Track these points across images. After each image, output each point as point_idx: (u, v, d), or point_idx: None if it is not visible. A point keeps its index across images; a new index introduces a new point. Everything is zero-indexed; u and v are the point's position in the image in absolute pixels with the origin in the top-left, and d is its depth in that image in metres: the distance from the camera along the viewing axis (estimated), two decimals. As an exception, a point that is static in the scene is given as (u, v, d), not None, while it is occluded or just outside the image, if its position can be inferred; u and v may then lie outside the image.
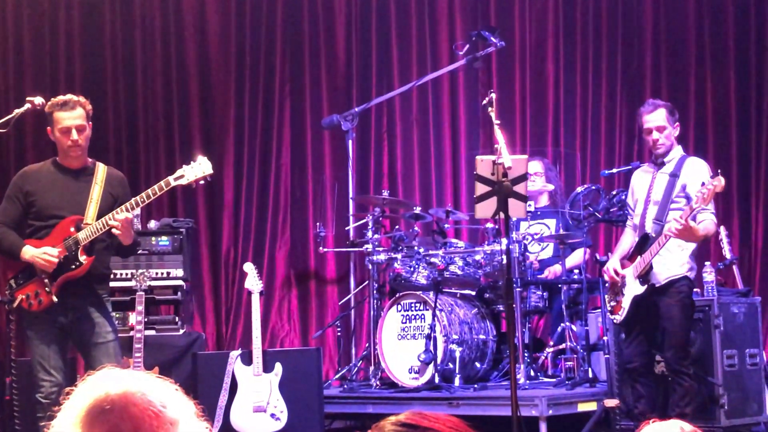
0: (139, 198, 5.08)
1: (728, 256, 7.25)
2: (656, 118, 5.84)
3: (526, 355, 6.86)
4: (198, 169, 5.17)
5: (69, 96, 5.22)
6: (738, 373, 6.29)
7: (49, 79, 8.62)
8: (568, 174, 8.57)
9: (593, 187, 6.99)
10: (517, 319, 6.67)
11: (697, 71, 8.72)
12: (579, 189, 7.16)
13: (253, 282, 6.68)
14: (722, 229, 7.41)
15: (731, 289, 7.06)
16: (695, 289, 6.59)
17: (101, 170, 5.28)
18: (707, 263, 6.73)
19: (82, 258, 5.09)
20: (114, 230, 5.02)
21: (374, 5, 9.07)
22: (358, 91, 9.02)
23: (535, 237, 7.17)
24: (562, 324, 7.02)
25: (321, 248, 8.27)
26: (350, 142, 8.26)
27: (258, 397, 6.41)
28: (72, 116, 5.14)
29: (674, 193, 5.71)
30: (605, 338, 6.51)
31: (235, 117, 8.94)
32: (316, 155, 8.99)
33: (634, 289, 5.71)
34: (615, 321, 5.97)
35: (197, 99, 8.95)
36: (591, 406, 6.29)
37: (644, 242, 5.68)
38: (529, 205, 6.77)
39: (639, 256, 5.68)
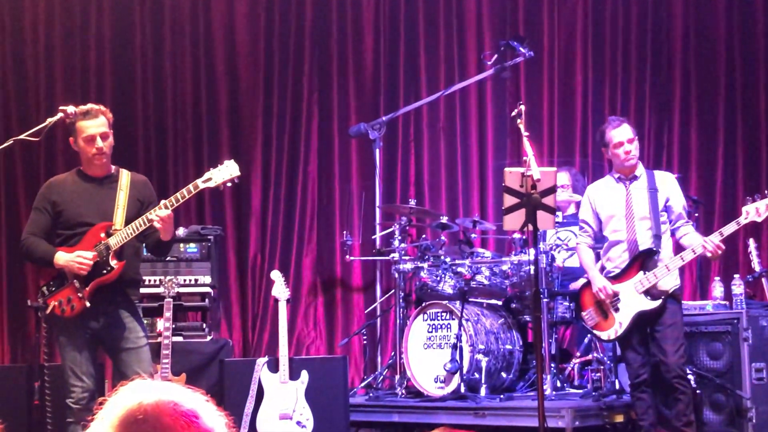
0: (168, 201, 5.13)
1: (757, 268, 7.19)
2: (625, 130, 5.91)
3: (552, 366, 6.85)
4: (225, 171, 5.21)
5: (90, 105, 5.30)
6: (766, 386, 6.25)
7: (80, 89, 8.70)
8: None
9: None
10: (544, 329, 6.66)
11: (726, 82, 8.68)
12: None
13: (280, 290, 6.71)
14: (751, 241, 7.36)
15: (760, 302, 7.01)
16: (724, 302, 6.60)
17: (125, 176, 5.34)
18: (736, 276, 6.71)
19: (113, 263, 5.14)
20: (156, 224, 5.06)
21: (402, 15, 9.09)
22: (385, 100, 9.04)
23: (564, 245, 7.15)
24: (588, 335, 6.99)
25: (348, 256, 8.28)
26: (377, 150, 8.28)
27: (284, 405, 6.43)
28: (95, 124, 5.20)
29: (660, 207, 5.79)
30: (626, 351, 6.47)
31: (263, 126, 8.99)
32: (343, 164, 9.02)
33: (639, 304, 5.71)
34: (606, 338, 5.96)
35: (226, 108, 9.00)
36: (618, 418, 6.26)
37: (648, 257, 5.70)
38: (556, 216, 6.77)
39: (641, 272, 5.70)
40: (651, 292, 5.68)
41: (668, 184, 5.88)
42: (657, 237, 5.72)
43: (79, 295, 5.12)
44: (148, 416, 1.68)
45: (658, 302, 5.66)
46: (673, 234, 5.85)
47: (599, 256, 6.09)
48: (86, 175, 5.32)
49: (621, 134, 5.90)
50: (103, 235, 5.16)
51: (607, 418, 6.28)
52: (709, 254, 5.62)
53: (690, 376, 5.93)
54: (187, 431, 1.69)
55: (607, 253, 5.95)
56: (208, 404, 1.79)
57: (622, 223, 5.86)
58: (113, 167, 5.38)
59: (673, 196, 5.82)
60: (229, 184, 5.27)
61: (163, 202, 5.13)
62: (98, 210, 5.22)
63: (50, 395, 6.41)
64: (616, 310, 5.76)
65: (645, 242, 5.77)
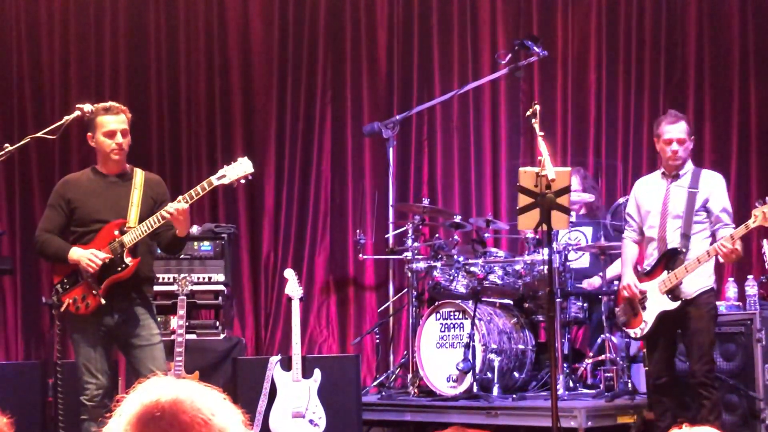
0: (182, 198, 5.14)
1: (771, 269, 7.18)
2: (678, 129, 5.82)
3: (565, 365, 6.84)
4: (239, 168, 5.23)
5: (111, 102, 5.31)
6: (780, 387, 6.23)
7: (95, 87, 8.72)
8: (610, 185, 8.54)
9: (635, 199, 6.93)
10: (557, 329, 6.66)
11: (740, 84, 8.65)
12: (620, 200, 7.15)
13: (294, 288, 6.72)
14: (765, 242, 7.32)
15: (774, 303, 6.99)
16: (738, 303, 6.57)
17: (139, 175, 5.37)
18: (750, 277, 6.69)
19: (128, 260, 5.16)
20: (168, 215, 5.07)
21: (416, 13, 9.09)
22: (399, 99, 9.04)
23: (575, 247, 7.14)
24: (601, 335, 6.99)
25: (360, 255, 8.29)
26: (391, 149, 8.28)
27: (297, 403, 6.44)
28: (116, 120, 5.25)
29: (696, 207, 5.69)
30: (645, 350, 6.46)
31: (276, 123, 9.00)
32: (357, 162, 9.03)
33: (661, 304, 5.67)
34: (633, 336, 5.94)
35: (239, 105, 9.02)
36: (630, 419, 6.25)
37: (672, 257, 5.65)
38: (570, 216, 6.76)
39: (665, 271, 5.65)
40: (673, 293, 5.64)
41: (711, 184, 5.75)
42: (685, 237, 5.66)
43: (94, 292, 5.15)
44: (165, 413, 1.69)
45: (677, 304, 5.63)
46: (713, 236, 5.75)
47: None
48: (101, 172, 5.35)
49: (673, 131, 5.81)
50: (117, 232, 5.19)
51: (620, 418, 6.27)
52: (721, 258, 5.58)
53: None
54: (204, 429, 1.70)
55: (646, 250, 5.92)
56: (225, 401, 1.80)
57: (656, 219, 5.83)
58: (128, 166, 5.41)
59: (714, 197, 5.66)
60: (243, 181, 5.30)
61: (179, 197, 5.15)
62: (112, 207, 5.25)
63: (63, 392, 6.45)
64: (644, 308, 5.74)
65: (673, 241, 5.73)
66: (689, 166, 5.86)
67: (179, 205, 5.08)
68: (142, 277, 5.29)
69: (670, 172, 5.84)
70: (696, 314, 5.64)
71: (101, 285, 5.15)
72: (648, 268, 5.83)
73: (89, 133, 5.29)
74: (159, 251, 5.72)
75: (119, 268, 5.17)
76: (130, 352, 5.26)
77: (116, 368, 6.09)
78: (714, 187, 5.72)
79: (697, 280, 5.66)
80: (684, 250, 5.63)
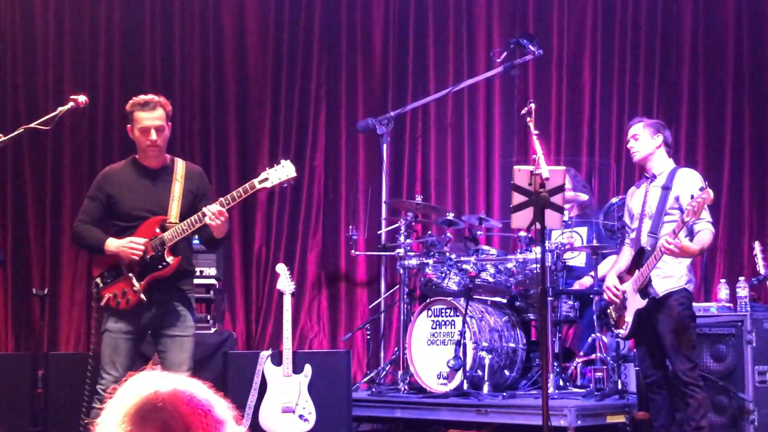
0: (224, 199, 5.11)
1: (762, 271, 7.18)
2: (633, 128, 5.98)
3: (555, 364, 6.86)
4: (282, 172, 5.19)
5: (150, 96, 5.22)
6: (769, 389, 6.25)
7: (88, 78, 8.70)
8: (603, 184, 8.55)
9: (627, 199, 6.95)
10: (549, 328, 6.66)
11: (734, 83, 8.67)
12: (613, 200, 7.16)
13: (286, 283, 6.72)
14: (757, 244, 7.36)
15: (764, 304, 7.02)
16: (729, 305, 6.57)
17: (180, 167, 5.31)
18: (741, 278, 6.70)
19: (169, 259, 5.12)
20: (208, 221, 5.05)
21: (412, 10, 9.09)
22: (393, 96, 9.04)
23: (568, 247, 7.16)
24: (592, 334, 7.00)
25: (353, 251, 8.29)
26: (384, 146, 8.28)
27: (287, 398, 6.44)
28: (152, 116, 5.16)
29: (667, 206, 5.70)
30: (635, 350, 6.48)
31: (270, 118, 8.99)
32: (350, 158, 9.03)
33: (635, 303, 5.69)
34: (620, 335, 5.97)
35: (233, 99, 9.00)
36: (620, 418, 6.27)
37: (640, 256, 5.66)
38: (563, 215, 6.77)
39: (637, 270, 5.67)
40: (643, 291, 5.65)
41: (682, 181, 5.74)
42: (653, 236, 5.67)
43: (135, 288, 5.11)
44: (166, 404, 1.69)
45: (645, 301, 5.64)
46: (689, 231, 5.70)
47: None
48: (142, 165, 5.28)
49: (629, 132, 6.01)
50: (158, 229, 5.15)
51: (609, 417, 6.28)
52: (673, 256, 5.51)
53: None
54: (203, 420, 1.70)
55: None
56: (218, 396, 1.81)
57: (636, 222, 5.87)
58: (168, 157, 5.34)
59: (684, 194, 5.62)
60: (285, 185, 5.27)
61: (219, 200, 5.12)
62: (153, 202, 5.19)
63: (53, 384, 6.45)
64: (625, 308, 5.76)
65: (644, 241, 5.76)
66: (667, 165, 5.88)
67: (215, 208, 5.04)
68: (181, 271, 5.24)
69: (648, 172, 5.90)
70: (664, 316, 5.63)
71: (142, 282, 5.13)
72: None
73: (129, 126, 5.25)
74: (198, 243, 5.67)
75: (160, 266, 5.12)
76: (160, 341, 5.22)
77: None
78: (685, 184, 5.70)
79: (666, 280, 5.66)
80: (650, 248, 5.63)
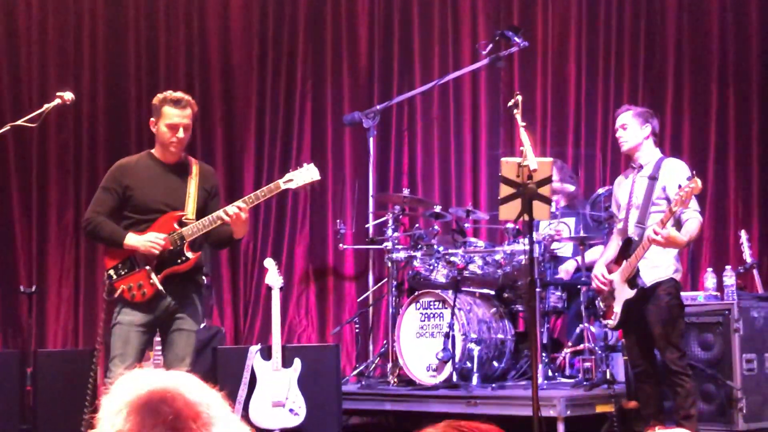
0: (248, 198, 5.12)
1: (748, 260, 7.24)
2: (621, 117, 5.95)
3: (544, 355, 6.88)
4: (306, 174, 5.23)
5: (182, 94, 5.24)
6: (757, 377, 6.29)
7: (73, 73, 8.67)
8: (589, 175, 8.57)
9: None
10: (537, 319, 6.67)
11: (719, 73, 8.69)
12: (600, 190, 7.18)
13: (274, 278, 6.71)
14: (743, 233, 7.41)
15: (751, 293, 7.05)
16: (716, 293, 6.60)
17: (195, 165, 5.33)
18: (728, 267, 6.73)
19: (189, 254, 5.12)
20: (229, 219, 5.05)
21: (397, 3, 9.09)
22: (379, 89, 9.04)
23: (556, 238, 7.17)
24: (580, 324, 7.02)
25: (340, 245, 8.29)
26: (371, 139, 8.29)
27: (277, 393, 6.44)
28: (183, 114, 5.18)
29: (654, 196, 5.69)
30: (623, 339, 6.50)
31: (256, 112, 8.99)
32: (337, 152, 9.02)
33: (624, 293, 5.70)
34: (608, 326, 5.99)
35: (219, 95, 8.99)
36: (608, 408, 6.29)
37: (628, 246, 5.68)
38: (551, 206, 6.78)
39: (625, 261, 5.68)
40: (631, 281, 5.67)
41: (669, 171, 5.73)
42: (640, 226, 5.68)
43: (151, 281, 5.10)
44: (168, 399, 1.69)
45: (634, 292, 5.66)
46: (677, 221, 5.71)
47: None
48: (158, 160, 5.29)
49: (617, 121, 5.99)
50: (176, 225, 5.15)
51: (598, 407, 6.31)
52: (660, 247, 5.52)
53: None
54: (207, 412, 1.70)
55: None
56: (214, 392, 1.81)
57: (623, 212, 5.87)
58: (183, 154, 5.35)
59: (670, 184, 5.61)
60: (308, 188, 5.30)
61: (245, 197, 5.13)
62: (170, 198, 5.19)
63: (41, 381, 6.43)
64: (614, 298, 5.78)
65: (631, 231, 5.77)
66: (654, 155, 5.87)
67: (238, 207, 5.05)
68: (197, 267, 5.27)
69: (636, 162, 5.89)
70: (653, 305, 5.65)
71: (159, 275, 5.12)
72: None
73: (152, 119, 5.24)
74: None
75: (179, 260, 5.12)
76: (171, 334, 5.22)
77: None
78: (672, 174, 5.68)
79: (653, 270, 5.66)
80: (636, 238, 5.64)
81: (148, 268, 5.12)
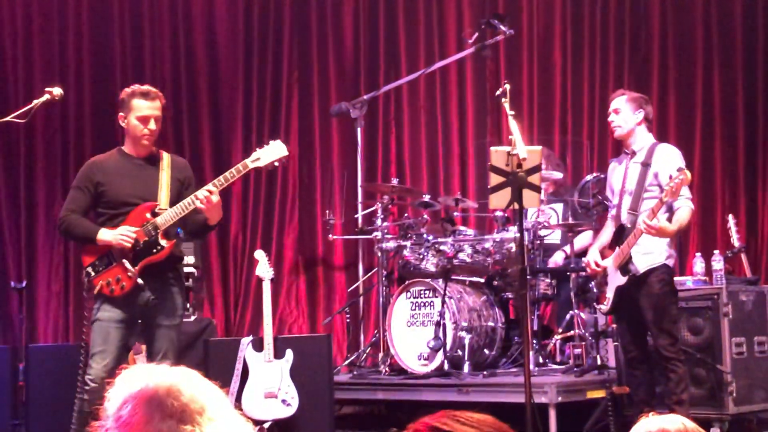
0: (217, 181, 5.12)
1: (736, 244, 7.28)
2: (615, 102, 5.90)
3: (534, 342, 6.90)
4: (273, 151, 5.22)
5: (149, 87, 5.26)
6: (746, 360, 6.33)
7: (58, 69, 8.64)
8: (576, 162, 8.59)
9: (602, 176, 6.96)
10: (527, 307, 6.69)
11: (704, 60, 8.73)
12: (588, 177, 7.19)
13: (264, 269, 6.71)
14: (730, 217, 7.45)
15: (739, 277, 7.10)
16: (705, 278, 6.64)
17: (166, 157, 5.34)
18: (716, 251, 6.77)
19: (163, 242, 5.13)
20: (199, 204, 5.05)
21: (382, -7, 9.09)
22: (366, 79, 9.05)
23: (545, 224, 7.20)
24: (570, 311, 7.05)
25: (330, 235, 8.29)
26: (358, 129, 8.29)
27: (269, 384, 6.45)
28: (152, 106, 5.20)
29: (647, 182, 5.68)
30: (614, 325, 6.54)
31: (243, 104, 8.98)
32: (324, 142, 9.03)
33: (616, 279, 5.72)
34: (601, 311, 6.02)
35: (206, 86, 8.98)
36: (600, 393, 6.32)
37: (621, 233, 5.69)
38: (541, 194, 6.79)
39: (618, 247, 5.70)
40: (624, 268, 5.69)
41: (662, 157, 5.72)
42: (632, 213, 5.69)
43: (129, 274, 5.10)
44: (173, 393, 1.71)
45: (625, 278, 5.68)
46: (669, 209, 5.72)
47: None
48: (129, 154, 5.30)
49: (611, 105, 5.93)
50: (149, 215, 5.15)
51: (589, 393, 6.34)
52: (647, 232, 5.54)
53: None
54: (210, 404, 1.72)
55: None
56: (215, 387, 1.83)
57: (617, 198, 5.89)
58: (154, 148, 5.36)
59: (662, 170, 5.61)
60: (276, 164, 5.28)
61: (213, 181, 5.12)
62: (142, 190, 5.21)
63: (33, 376, 6.43)
64: (606, 284, 5.80)
65: (624, 218, 5.78)
66: (647, 141, 5.85)
67: (208, 190, 5.04)
68: (175, 257, 5.28)
69: (628, 148, 5.88)
70: (645, 291, 5.66)
71: (136, 266, 5.12)
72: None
73: (121, 114, 5.24)
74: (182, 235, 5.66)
75: (154, 250, 5.13)
76: (151, 329, 5.22)
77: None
78: (664, 161, 5.68)
79: (646, 257, 5.67)
80: (629, 225, 5.65)
81: (125, 261, 5.12)
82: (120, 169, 5.26)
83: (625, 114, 5.84)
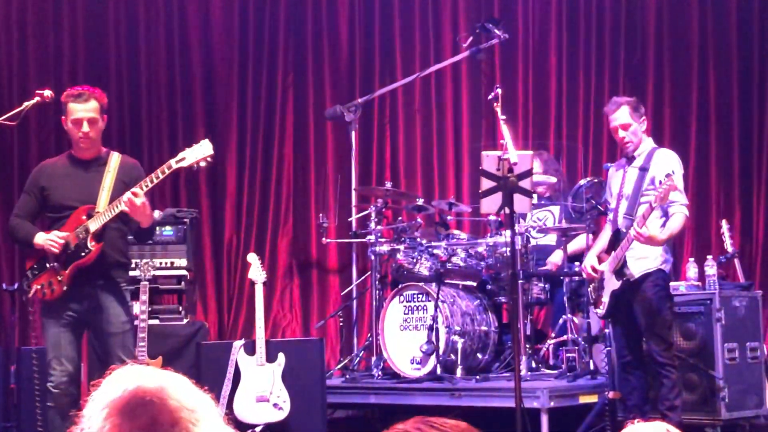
0: (143, 183, 5.11)
1: (730, 249, 7.28)
2: (620, 116, 5.83)
3: (527, 346, 6.89)
4: (199, 151, 5.21)
5: (83, 88, 5.27)
6: (739, 366, 6.33)
7: (53, 71, 8.62)
8: (571, 167, 8.58)
9: (596, 180, 6.96)
10: (520, 311, 6.69)
11: (699, 64, 8.73)
12: (582, 182, 7.18)
13: (257, 273, 6.71)
14: (724, 222, 7.45)
15: (733, 282, 7.09)
16: (698, 283, 6.63)
17: (114, 159, 5.33)
18: (709, 257, 6.76)
19: (91, 245, 5.13)
20: (124, 207, 5.04)
21: (377, -4, 9.09)
22: (361, 82, 9.04)
23: (538, 226, 7.19)
24: (563, 316, 7.05)
25: (324, 239, 8.28)
26: (353, 133, 8.28)
27: (261, 387, 6.44)
28: (85, 108, 5.19)
29: (644, 187, 5.68)
30: (607, 330, 6.53)
31: (238, 107, 8.96)
32: (319, 146, 9.02)
33: (611, 284, 5.73)
34: (597, 314, 6.02)
35: (200, 89, 8.96)
36: (592, 398, 6.31)
37: (617, 237, 5.70)
38: (532, 198, 6.78)
39: (613, 252, 5.70)
40: (619, 273, 5.68)
41: (660, 162, 5.72)
42: (628, 217, 5.69)
43: (59, 278, 5.11)
44: (153, 399, 1.69)
45: (620, 283, 5.68)
46: (664, 214, 5.70)
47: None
48: (75, 158, 5.32)
49: (615, 119, 5.85)
50: (84, 218, 5.16)
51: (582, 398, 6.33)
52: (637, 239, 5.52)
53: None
54: (190, 415, 1.70)
55: None
56: (203, 392, 1.81)
57: (614, 203, 5.88)
58: (104, 149, 5.35)
59: (659, 175, 5.58)
60: (203, 164, 5.25)
61: (137, 185, 5.11)
62: (83, 193, 5.22)
63: (26, 378, 6.40)
64: (603, 288, 5.81)
65: (620, 222, 5.78)
66: (646, 146, 5.85)
67: (133, 192, 5.02)
68: (111, 262, 5.24)
69: (629, 155, 5.88)
70: (639, 297, 5.67)
71: (66, 271, 5.12)
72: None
73: (63, 117, 5.25)
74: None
75: (83, 254, 5.13)
76: (99, 339, 5.24)
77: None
78: (661, 165, 5.68)
79: (641, 261, 5.67)
80: (625, 230, 5.65)
81: (56, 264, 5.13)
82: (64, 172, 5.30)
83: (633, 127, 5.81)
